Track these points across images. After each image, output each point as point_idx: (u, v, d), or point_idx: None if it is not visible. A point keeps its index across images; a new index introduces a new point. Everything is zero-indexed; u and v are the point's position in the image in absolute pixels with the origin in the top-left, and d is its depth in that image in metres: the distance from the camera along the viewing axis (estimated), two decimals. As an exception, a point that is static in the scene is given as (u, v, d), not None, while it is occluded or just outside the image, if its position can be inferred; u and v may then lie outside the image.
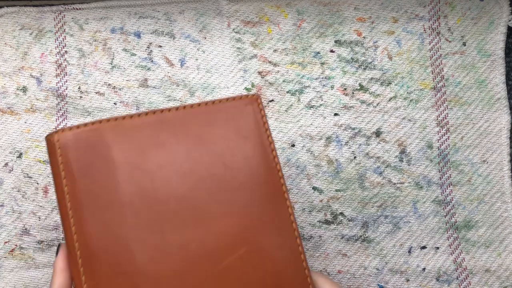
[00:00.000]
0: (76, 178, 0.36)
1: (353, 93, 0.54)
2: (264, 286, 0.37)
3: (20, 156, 0.54)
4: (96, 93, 0.54)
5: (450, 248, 0.53)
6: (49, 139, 0.36)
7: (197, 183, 0.37)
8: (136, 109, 0.54)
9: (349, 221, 0.54)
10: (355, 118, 0.54)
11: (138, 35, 0.55)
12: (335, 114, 0.54)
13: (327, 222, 0.53)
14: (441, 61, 0.54)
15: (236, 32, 0.55)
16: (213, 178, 0.37)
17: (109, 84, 0.54)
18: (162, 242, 0.36)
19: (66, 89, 0.55)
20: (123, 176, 0.36)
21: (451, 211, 0.54)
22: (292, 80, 0.54)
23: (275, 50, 0.55)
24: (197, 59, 0.55)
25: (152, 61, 0.55)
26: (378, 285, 0.53)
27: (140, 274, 0.35)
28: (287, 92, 0.54)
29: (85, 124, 0.36)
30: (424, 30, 0.55)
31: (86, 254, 0.35)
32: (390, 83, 0.54)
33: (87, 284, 0.35)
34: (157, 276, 0.35)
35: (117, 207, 0.36)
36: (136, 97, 0.54)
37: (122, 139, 0.37)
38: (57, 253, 0.37)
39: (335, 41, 0.55)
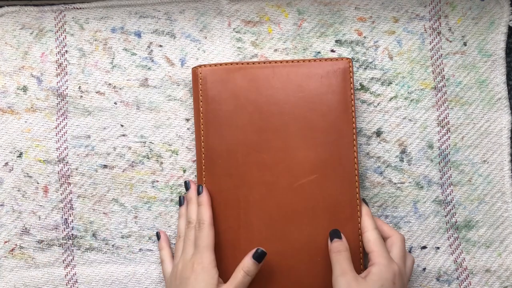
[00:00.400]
0: (209, 102, 0.50)
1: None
2: (324, 205, 0.49)
3: (20, 155, 0.54)
4: (97, 92, 0.54)
5: (451, 248, 0.53)
6: (194, 70, 0.51)
7: (291, 120, 0.50)
8: (137, 109, 0.54)
9: (349, 221, 0.54)
10: (356, 117, 0.54)
11: (138, 34, 0.55)
12: (336, 114, 0.54)
13: (327, 222, 0.53)
14: (441, 61, 0.54)
15: (236, 32, 0.55)
16: (303, 119, 0.50)
17: (110, 84, 0.54)
18: (259, 159, 0.50)
19: (67, 88, 0.54)
20: (241, 106, 0.50)
21: (452, 211, 0.54)
22: (293, 80, 0.54)
23: (275, 50, 0.55)
24: (197, 59, 0.55)
25: (152, 60, 0.55)
26: (379, 285, 0.53)
27: (241, 179, 0.50)
28: (288, 91, 0.55)
29: (220, 64, 0.51)
30: (425, 30, 0.55)
31: (208, 158, 0.50)
32: (391, 83, 0.54)
33: (206, 178, 0.50)
34: (252, 182, 0.50)
35: (233, 128, 0.50)
36: (136, 97, 0.54)
37: (244, 78, 0.50)
38: (180, 204, 0.52)
39: (336, 41, 0.55)
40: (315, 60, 0.50)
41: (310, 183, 0.49)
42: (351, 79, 0.50)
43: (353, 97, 0.50)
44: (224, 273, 0.49)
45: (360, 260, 0.49)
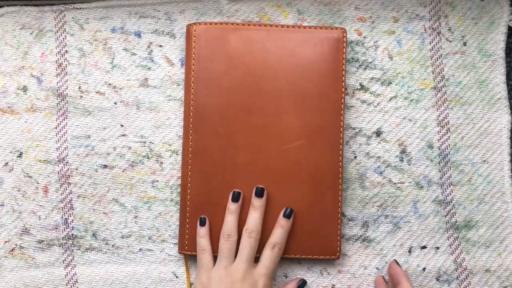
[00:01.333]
0: (201, 60, 0.51)
1: (353, 92, 0.54)
2: (308, 171, 0.50)
3: (20, 155, 0.54)
4: (97, 92, 0.54)
5: (450, 248, 0.53)
6: (188, 28, 0.52)
7: (283, 85, 0.50)
8: (137, 109, 0.54)
9: (349, 220, 0.53)
10: (356, 117, 0.54)
11: (138, 34, 0.55)
12: (336, 114, 0.54)
13: (327, 222, 0.53)
14: (441, 61, 0.54)
15: (236, 32, 0.55)
16: (295, 85, 0.50)
17: (110, 84, 0.54)
18: (248, 121, 0.50)
19: (67, 88, 0.54)
20: (233, 67, 0.51)
21: (452, 211, 0.54)
22: (293, 80, 0.55)
23: (275, 50, 0.55)
24: (197, 59, 0.55)
25: (152, 60, 0.55)
26: (378, 285, 0.53)
27: (229, 139, 0.50)
28: (288, 91, 0.55)
29: (215, 23, 0.52)
30: (425, 30, 0.55)
31: (196, 117, 0.51)
32: (391, 83, 0.54)
33: (192, 136, 0.51)
34: (240, 143, 0.50)
35: (224, 88, 0.50)
36: (136, 97, 0.54)
37: (238, 39, 0.51)
38: (234, 199, 0.50)
39: (336, 41, 0.55)
40: (310, 27, 0.51)
41: (296, 149, 0.50)
42: (344, 49, 0.51)
43: (344, 67, 0.51)
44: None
45: (338, 237, 0.51)
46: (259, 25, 0.51)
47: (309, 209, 0.51)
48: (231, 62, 0.51)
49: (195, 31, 0.51)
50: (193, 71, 0.51)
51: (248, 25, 0.52)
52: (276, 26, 0.51)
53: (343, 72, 0.51)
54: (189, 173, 0.51)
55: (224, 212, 0.50)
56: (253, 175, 0.50)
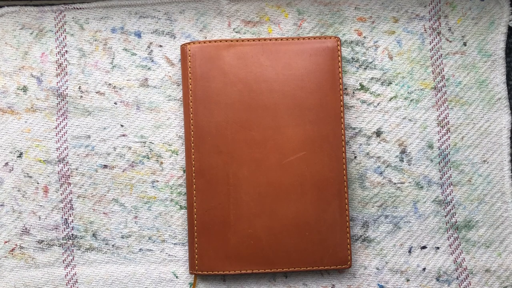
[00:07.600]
0: (198, 79, 0.51)
1: (353, 92, 0.54)
2: (312, 181, 0.50)
3: (20, 155, 0.54)
4: (97, 92, 0.54)
5: (450, 248, 0.53)
6: (183, 47, 0.52)
7: (280, 98, 0.51)
8: (137, 109, 0.54)
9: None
10: (356, 117, 0.54)
11: (138, 34, 0.55)
12: (336, 114, 0.54)
13: (327, 222, 0.53)
14: (441, 61, 0.54)
15: (236, 32, 0.55)
16: (292, 97, 0.51)
17: (110, 84, 0.54)
18: (249, 136, 0.51)
19: (67, 88, 0.55)
20: (230, 84, 0.51)
21: (452, 211, 0.54)
22: (293, 80, 0.55)
23: (275, 50, 0.55)
24: (197, 59, 0.55)
25: (152, 60, 0.55)
26: (378, 284, 0.53)
27: (230, 156, 0.51)
28: (288, 91, 0.55)
29: (209, 41, 0.52)
30: (425, 30, 0.55)
31: (197, 135, 0.51)
32: (391, 83, 0.54)
33: (195, 155, 0.51)
34: (242, 159, 0.51)
35: (222, 105, 0.51)
36: (136, 97, 0.54)
37: (233, 56, 0.51)
38: None
39: (336, 41, 0.55)
40: (303, 38, 0.51)
41: (298, 160, 0.51)
42: (339, 57, 0.51)
43: (341, 75, 0.51)
44: (213, 249, 0.51)
45: (348, 245, 0.51)
46: (253, 40, 0.51)
47: (316, 219, 0.51)
48: (227, 79, 0.51)
49: (189, 50, 0.51)
50: (190, 90, 0.51)
51: (242, 40, 0.51)
52: (270, 40, 0.51)
53: (340, 80, 0.51)
54: (194, 192, 0.51)
55: (233, 229, 0.50)
56: (257, 189, 0.51)
